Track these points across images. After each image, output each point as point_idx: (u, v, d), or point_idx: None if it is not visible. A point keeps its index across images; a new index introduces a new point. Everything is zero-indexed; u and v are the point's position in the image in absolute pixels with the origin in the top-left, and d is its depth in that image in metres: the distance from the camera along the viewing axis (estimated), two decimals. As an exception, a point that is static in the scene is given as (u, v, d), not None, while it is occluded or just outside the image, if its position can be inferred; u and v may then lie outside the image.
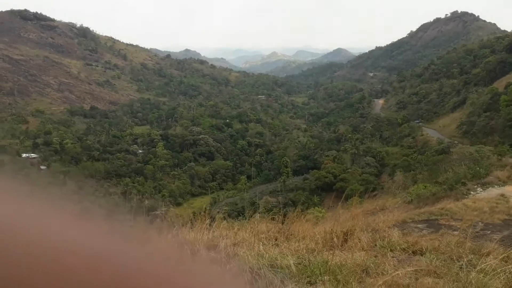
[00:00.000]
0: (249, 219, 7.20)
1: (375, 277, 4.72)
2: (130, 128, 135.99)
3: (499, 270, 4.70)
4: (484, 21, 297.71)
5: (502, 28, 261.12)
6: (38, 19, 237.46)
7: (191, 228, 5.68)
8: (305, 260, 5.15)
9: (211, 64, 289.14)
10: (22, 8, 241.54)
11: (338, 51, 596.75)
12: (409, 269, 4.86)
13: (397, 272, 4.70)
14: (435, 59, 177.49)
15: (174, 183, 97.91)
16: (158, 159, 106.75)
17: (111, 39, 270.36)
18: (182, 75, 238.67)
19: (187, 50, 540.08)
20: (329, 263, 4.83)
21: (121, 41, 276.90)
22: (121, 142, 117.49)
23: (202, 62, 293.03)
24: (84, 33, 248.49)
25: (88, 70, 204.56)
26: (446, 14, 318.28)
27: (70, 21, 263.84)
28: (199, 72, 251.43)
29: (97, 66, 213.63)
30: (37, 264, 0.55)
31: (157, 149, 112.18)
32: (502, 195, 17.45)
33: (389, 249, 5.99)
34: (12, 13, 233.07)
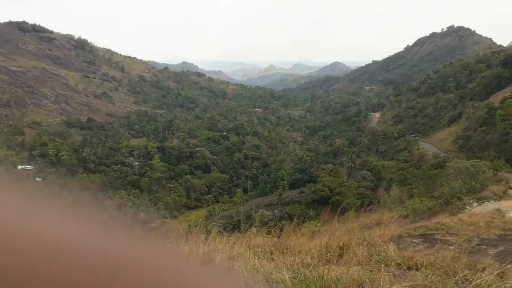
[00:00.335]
0: (244, 233, 7.18)
1: (371, 292, 4.70)
2: (126, 140, 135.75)
3: (494, 286, 4.68)
4: (480, 35, 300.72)
5: (498, 43, 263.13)
6: (36, 30, 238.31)
7: (186, 241, 5.65)
8: (300, 275, 5.12)
9: (209, 77, 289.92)
10: (20, 19, 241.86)
11: (335, 64, 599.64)
12: (404, 284, 4.84)
13: (392, 288, 4.68)
14: (431, 73, 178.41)
15: (170, 196, 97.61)
16: (154, 171, 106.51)
17: (109, 51, 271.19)
18: (180, 87, 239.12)
19: (184, 63, 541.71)
20: (325, 278, 4.80)
21: (119, 53, 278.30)
22: (117, 154, 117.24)
23: (200, 74, 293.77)
24: (82, 45, 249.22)
25: (85, 82, 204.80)
26: (443, 29, 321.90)
27: (68, 33, 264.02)
28: (197, 85, 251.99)
29: (95, 78, 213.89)
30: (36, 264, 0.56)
31: (153, 162, 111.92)
32: (498, 210, 17.48)
33: (384, 264, 5.96)
34: (10, 24, 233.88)
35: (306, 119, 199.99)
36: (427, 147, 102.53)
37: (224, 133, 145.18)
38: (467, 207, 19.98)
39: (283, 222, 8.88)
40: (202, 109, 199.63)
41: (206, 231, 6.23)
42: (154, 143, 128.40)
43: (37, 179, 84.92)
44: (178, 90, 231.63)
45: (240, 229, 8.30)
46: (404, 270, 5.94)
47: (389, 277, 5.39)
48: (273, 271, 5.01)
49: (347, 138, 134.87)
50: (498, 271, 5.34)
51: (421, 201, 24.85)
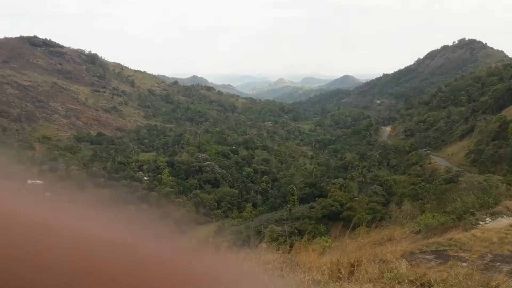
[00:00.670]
0: (254, 249, 7.11)
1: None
2: (136, 155, 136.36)
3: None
4: (492, 48, 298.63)
5: (510, 56, 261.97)
6: (47, 45, 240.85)
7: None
8: (310, 292, 5.05)
9: (218, 91, 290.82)
10: (31, 34, 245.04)
11: (345, 78, 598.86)
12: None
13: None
14: (442, 87, 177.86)
15: (179, 211, 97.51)
16: (163, 186, 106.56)
17: (119, 65, 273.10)
18: (189, 101, 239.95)
19: (194, 77, 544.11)
20: (336, 296, 4.73)
21: (129, 67, 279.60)
22: (127, 168, 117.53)
23: (209, 88, 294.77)
24: (92, 60, 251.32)
25: (95, 96, 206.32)
26: (454, 42, 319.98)
27: (79, 47, 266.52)
28: (206, 99, 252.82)
29: (105, 93, 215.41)
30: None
31: (162, 176, 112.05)
32: (512, 225, 17.23)
33: (397, 281, 5.89)
34: (22, 39, 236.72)
35: (316, 132, 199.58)
36: (439, 161, 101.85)
37: (233, 147, 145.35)
38: (480, 222, 19.73)
39: (293, 237, 8.81)
40: (212, 123, 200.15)
41: (215, 246, 6.17)
42: (164, 158, 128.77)
43: (47, 193, 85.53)
44: (187, 104, 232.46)
45: (249, 244, 8.24)
46: (417, 287, 5.86)
47: (401, 294, 5.30)
48: (283, 289, 4.93)
49: (358, 152, 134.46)
50: (512, 289, 5.25)
51: (433, 216, 24.58)
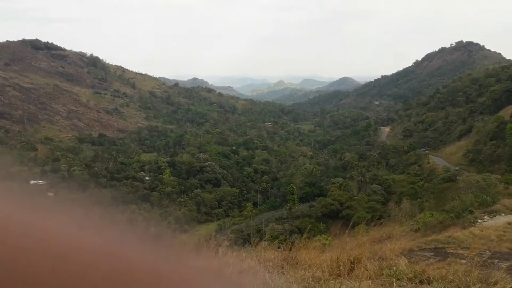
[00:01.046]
0: (255, 247, 7.19)
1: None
2: (137, 155, 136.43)
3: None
4: (489, 50, 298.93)
5: (507, 57, 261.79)
6: (49, 48, 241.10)
7: (197, 255, 5.67)
8: (311, 289, 5.13)
9: (219, 92, 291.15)
10: (33, 38, 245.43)
11: (344, 79, 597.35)
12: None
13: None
14: (440, 88, 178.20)
15: (180, 210, 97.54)
16: (164, 186, 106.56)
17: (120, 68, 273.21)
18: (190, 103, 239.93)
19: (195, 79, 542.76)
20: (336, 291, 4.81)
21: (130, 70, 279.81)
22: (128, 169, 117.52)
23: (210, 90, 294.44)
24: (94, 62, 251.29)
25: (97, 98, 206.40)
26: (451, 44, 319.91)
27: (81, 50, 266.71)
28: (207, 100, 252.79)
29: (106, 95, 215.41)
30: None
31: (163, 176, 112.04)
32: (510, 223, 17.32)
33: (396, 278, 5.96)
34: (24, 42, 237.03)
35: (315, 133, 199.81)
36: (438, 161, 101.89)
37: (234, 148, 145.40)
38: (479, 220, 19.81)
39: (293, 236, 8.89)
40: (212, 124, 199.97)
41: (216, 245, 6.25)
42: (165, 158, 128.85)
43: (49, 194, 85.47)
44: (188, 105, 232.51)
45: (250, 243, 8.32)
46: (416, 284, 5.93)
47: (400, 290, 5.39)
48: (284, 285, 5.03)
49: (357, 152, 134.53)
50: (510, 285, 5.33)
51: (432, 214, 24.69)
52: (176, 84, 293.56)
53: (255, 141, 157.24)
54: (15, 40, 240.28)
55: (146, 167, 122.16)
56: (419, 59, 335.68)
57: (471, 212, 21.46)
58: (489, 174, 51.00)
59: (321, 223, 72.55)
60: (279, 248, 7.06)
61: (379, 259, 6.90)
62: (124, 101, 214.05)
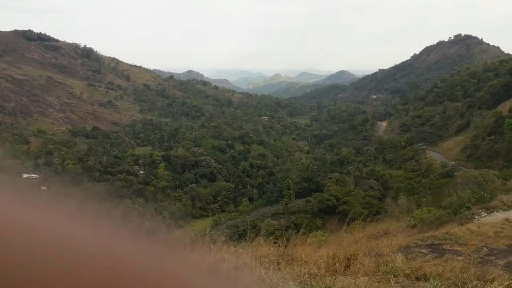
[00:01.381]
0: (251, 242, 7.12)
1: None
2: (131, 149, 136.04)
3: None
4: (488, 44, 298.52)
5: (506, 52, 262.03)
6: (42, 39, 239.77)
7: (192, 251, 5.60)
8: (307, 286, 5.07)
9: (214, 85, 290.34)
10: (26, 28, 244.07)
11: (341, 73, 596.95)
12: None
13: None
14: (438, 82, 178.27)
15: (175, 205, 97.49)
16: (159, 180, 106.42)
17: (114, 59, 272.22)
18: (185, 96, 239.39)
19: (190, 71, 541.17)
20: (332, 288, 4.74)
21: (125, 62, 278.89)
22: (122, 163, 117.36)
23: (205, 83, 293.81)
24: (87, 54, 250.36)
25: (90, 91, 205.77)
26: (450, 37, 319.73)
27: (74, 41, 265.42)
28: (202, 93, 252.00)
29: (100, 87, 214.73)
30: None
31: (158, 170, 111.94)
32: (507, 219, 17.29)
33: (392, 275, 5.91)
34: (16, 33, 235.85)
35: (312, 127, 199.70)
36: (435, 156, 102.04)
37: (229, 142, 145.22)
38: (476, 217, 19.80)
39: (289, 231, 8.83)
40: (208, 117, 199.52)
41: (211, 240, 6.17)
42: (159, 152, 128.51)
43: (42, 187, 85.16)
44: (183, 98, 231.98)
45: (246, 238, 8.25)
46: (413, 280, 5.89)
47: (397, 287, 5.33)
48: (280, 282, 4.96)
49: (354, 147, 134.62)
50: (507, 282, 5.28)
51: (429, 210, 24.67)
52: (171, 76, 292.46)
53: (251, 135, 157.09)
54: (7, 30, 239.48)
55: (140, 161, 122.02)
56: (417, 52, 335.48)
57: (468, 208, 21.45)
58: (487, 170, 51.00)
59: (318, 219, 72.70)
60: (275, 244, 6.98)
61: (376, 255, 6.85)
62: (118, 94, 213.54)
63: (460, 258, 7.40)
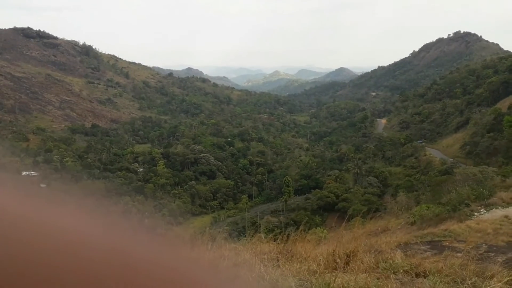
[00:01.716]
0: (250, 239, 7.13)
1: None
2: (131, 146, 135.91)
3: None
4: (487, 41, 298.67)
5: (505, 49, 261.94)
6: (41, 37, 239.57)
7: (192, 248, 5.60)
8: (306, 282, 5.08)
9: (213, 83, 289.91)
10: (25, 26, 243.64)
11: (341, 70, 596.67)
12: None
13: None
14: (437, 79, 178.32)
15: (174, 202, 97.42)
16: (158, 177, 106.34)
17: (113, 57, 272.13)
18: (184, 93, 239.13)
19: (189, 69, 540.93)
20: (331, 285, 4.75)
21: (124, 59, 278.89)
22: (122, 160, 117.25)
23: (204, 80, 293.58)
24: (86, 51, 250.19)
25: (90, 88, 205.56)
26: (449, 34, 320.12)
27: (73, 39, 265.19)
28: (201, 91, 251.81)
29: (99, 84, 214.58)
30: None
31: (158, 168, 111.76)
32: (506, 216, 17.31)
33: (392, 271, 5.91)
34: (15, 30, 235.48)
35: (311, 125, 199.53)
36: (434, 153, 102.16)
37: (229, 139, 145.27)
38: (475, 213, 19.80)
39: (289, 228, 8.82)
40: (207, 115, 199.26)
41: (211, 237, 6.18)
42: (159, 149, 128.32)
43: (42, 185, 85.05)
44: (182, 96, 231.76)
45: (245, 235, 8.26)
46: (412, 277, 5.90)
47: (396, 284, 5.34)
48: (279, 279, 4.97)
49: (353, 144, 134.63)
50: (507, 279, 5.28)
51: (428, 207, 24.65)
52: (170, 74, 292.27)
53: (251, 132, 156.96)
54: (6, 28, 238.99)
55: (139, 159, 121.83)
56: (416, 49, 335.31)
57: (467, 205, 21.44)
58: (486, 167, 51.14)
59: (317, 216, 72.60)
60: (274, 241, 6.99)
61: (375, 252, 6.85)
62: (118, 91, 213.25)
63: (459, 254, 7.41)
